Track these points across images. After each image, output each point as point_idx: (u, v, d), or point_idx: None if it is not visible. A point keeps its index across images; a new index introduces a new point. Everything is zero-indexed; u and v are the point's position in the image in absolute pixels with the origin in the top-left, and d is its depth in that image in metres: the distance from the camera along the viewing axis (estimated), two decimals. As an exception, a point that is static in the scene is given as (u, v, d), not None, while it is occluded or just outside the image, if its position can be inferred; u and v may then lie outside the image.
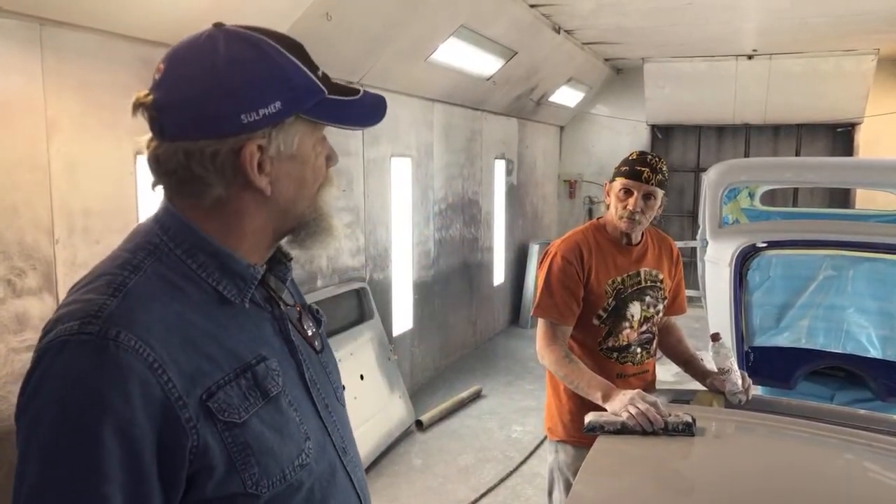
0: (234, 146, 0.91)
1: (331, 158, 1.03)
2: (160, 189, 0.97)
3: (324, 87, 0.96)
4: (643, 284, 2.47)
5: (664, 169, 2.39)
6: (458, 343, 6.93)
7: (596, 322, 2.42)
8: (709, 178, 4.19)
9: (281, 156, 0.95)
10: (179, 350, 0.86)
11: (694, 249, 4.68)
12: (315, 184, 1.01)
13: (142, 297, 0.88)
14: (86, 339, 0.82)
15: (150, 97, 0.91)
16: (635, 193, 2.36)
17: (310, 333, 1.09)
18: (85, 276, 0.93)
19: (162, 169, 0.93)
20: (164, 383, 0.83)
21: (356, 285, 4.97)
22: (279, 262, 1.06)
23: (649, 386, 2.48)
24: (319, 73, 0.97)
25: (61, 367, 0.82)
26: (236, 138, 0.90)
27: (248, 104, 0.90)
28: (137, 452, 0.82)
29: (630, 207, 2.36)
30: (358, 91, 1.00)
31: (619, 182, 2.40)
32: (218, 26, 0.94)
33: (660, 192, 2.38)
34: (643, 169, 2.35)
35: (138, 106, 0.91)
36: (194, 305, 0.91)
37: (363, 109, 1.02)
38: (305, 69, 0.95)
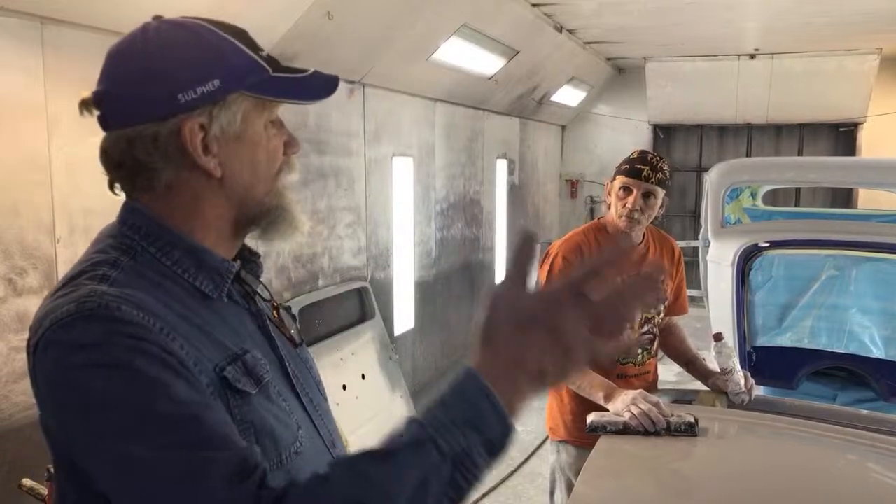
0: (173, 127, 0.89)
1: (290, 144, 1.01)
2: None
3: (267, 66, 0.95)
4: None
5: (665, 168, 2.38)
6: (459, 343, 6.92)
7: None
8: (711, 177, 4.18)
9: (226, 135, 0.92)
10: (179, 332, 0.85)
11: (696, 249, 4.67)
12: (271, 167, 0.98)
13: (127, 286, 0.86)
14: (89, 314, 0.80)
15: (90, 93, 0.91)
16: (635, 192, 2.34)
17: (290, 329, 1.08)
18: (57, 284, 0.90)
19: (111, 162, 0.92)
20: (179, 347, 0.82)
21: (357, 285, 4.96)
22: (248, 259, 1.05)
23: (651, 386, 2.47)
24: (263, 53, 0.96)
25: (78, 340, 0.80)
26: (175, 119, 0.89)
27: (183, 83, 0.89)
28: (185, 371, 0.81)
29: (629, 206, 2.34)
30: (307, 70, 0.99)
31: (619, 180, 2.38)
32: (156, 18, 0.94)
33: (660, 191, 2.36)
34: (643, 167, 2.34)
35: (83, 104, 0.91)
36: (177, 301, 0.90)
37: (310, 86, 1.00)
38: (245, 48, 0.94)
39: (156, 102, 0.89)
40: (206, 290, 0.94)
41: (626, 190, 2.36)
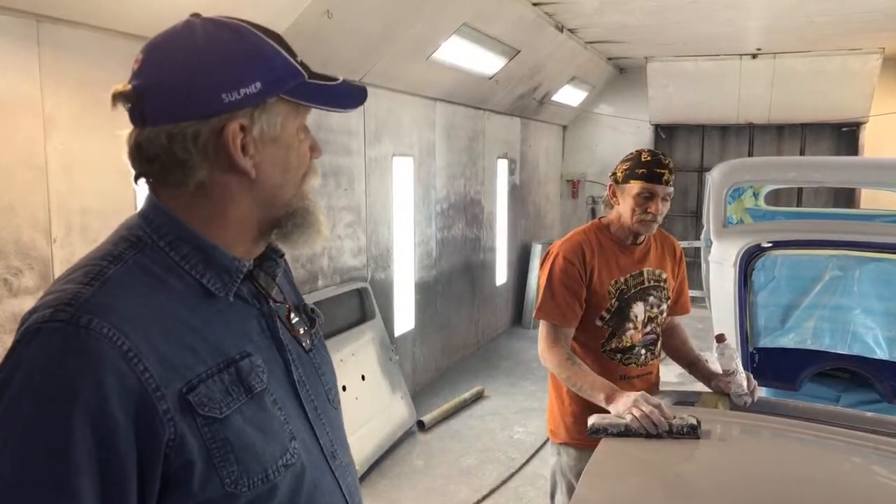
0: (215, 126, 0.90)
1: (314, 149, 1.02)
2: (144, 184, 0.96)
3: (303, 71, 0.96)
4: (646, 284, 2.43)
5: (672, 167, 2.37)
6: (460, 343, 6.91)
7: (599, 323, 2.39)
8: (713, 177, 4.16)
9: (264, 138, 0.93)
10: (160, 340, 0.85)
11: (698, 250, 4.66)
12: (300, 170, 1.00)
13: (121, 286, 0.86)
14: (57, 327, 0.81)
15: (130, 86, 0.90)
16: (657, 197, 2.32)
17: (301, 332, 1.06)
18: (68, 269, 0.92)
19: (144, 156, 0.92)
20: (140, 373, 0.82)
21: (358, 285, 4.94)
22: (269, 257, 1.04)
23: (653, 387, 2.45)
24: (298, 59, 0.97)
25: (32, 355, 0.81)
26: (218, 118, 0.90)
27: (228, 83, 0.89)
28: (110, 443, 0.80)
29: (653, 211, 2.31)
30: (337, 78, 1.00)
31: (638, 185, 2.32)
32: (195, 15, 0.94)
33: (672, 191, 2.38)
34: (662, 171, 2.31)
35: (117, 96, 0.90)
36: (178, 298, 0.90)
37: (343, 94, 1.01)
38: (284, 52, 0.94)
39: (201, 100, 0.89)
40: (212, 288, 0.93)
41: (648, 196, 2.32)
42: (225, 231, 0.95)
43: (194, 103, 0.89)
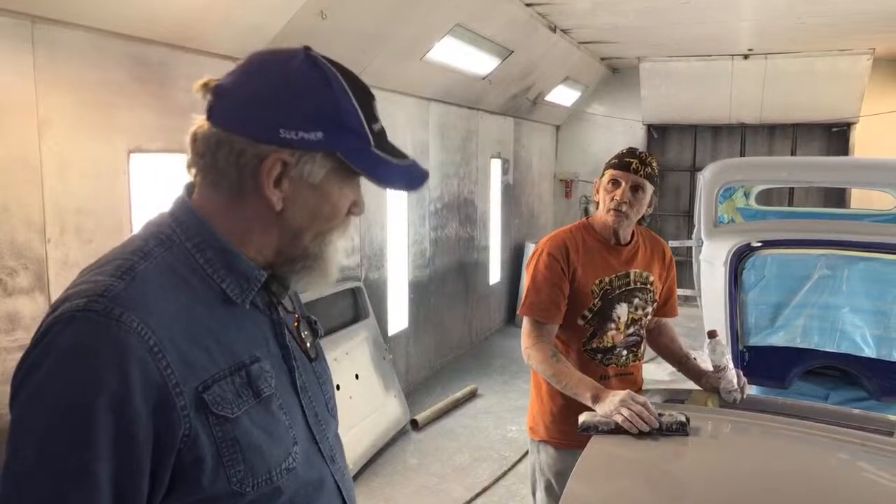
0: (261, 152, 0.93)
1: (356, 205, 1.04)
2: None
3: (371, 139, 0.97)
4: (632, 286, 2.41)
5: (654, 164, 2.35)
6: (453, 342, 6.93)
7: (581, 322, 2.38)
8: (704, 177, 4.18)
9: (303, 181, 0.95)
10: (181, 339, 0.88)
11: (689, 249, 4.68)
12: (330, 222, 1.01)
13: (149, 282, 0.89)
14: (90, 316, 0.84)
15: (216, 81, 0.95)
16: (623, 184, 2.31)
17: (308, 343, 1.09)
18: (97, 261, 0.95)
19: (197, 148, 0.96)
20: (163, 368, 0.85)
21: (351, 284, 4.95)
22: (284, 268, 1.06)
23: (634, 388, 2.44)
24: (377, 126, 0.98)
25: (65, 340, 0.84)
26: (267, 146, 0.92)
27: (291, 121, 0.92)
28: (130, 432, 0.83)
29: (617, 198, 2.30)
30: (407, 157, 1.01)
31: (608, 174, 2.36)
32: (306, 48, 0.97)
33: (649, 187, 2.33)
34: (631, 160, 2.32)
35: (203, 86, 0.95)
36: (198, 299, 0.93)
37: (402, 174, 1.02)
38: (361, 115, 0.96)
39: (260, 126, 0.92)
40: (231, 293, 0.96)
41: (615, 183, 2.33)
42: (246, 246, 0.98)
43: (253, 125, 0.93)
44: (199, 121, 0.96)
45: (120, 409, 0.82)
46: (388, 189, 1.05)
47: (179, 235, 0.95)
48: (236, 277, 0.96)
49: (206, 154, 0.94)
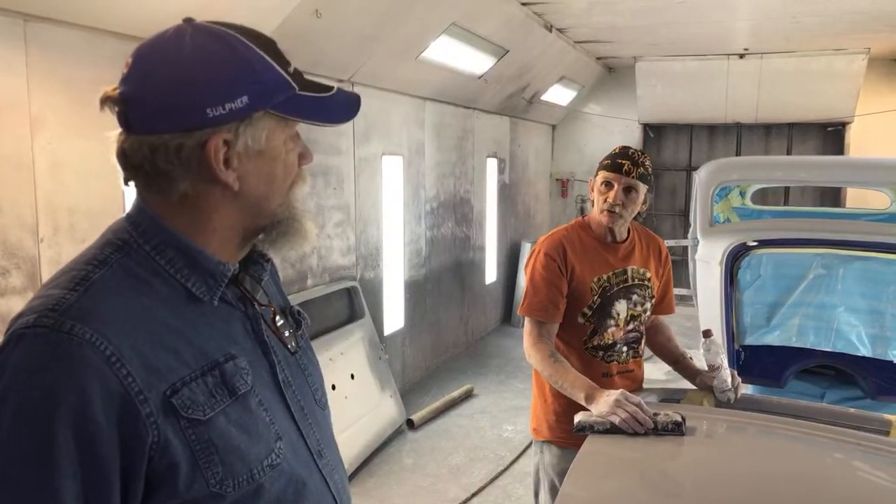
0: (198, 140, 0.89)
1: (304, 156, 1.02)
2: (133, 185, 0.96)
3: (294, 83, 0.95)
4: (630, 283, 2.44)
5: (647, 164, 2.36)
6: (449, 342, 6.92)
7: (581, 320, 2.39)
8: (700, 176, 4.19)
9: (249, 151, 0.93)
10: (144, 344, 0.85)
11: (685, 248, 4.68)
12: (286, 180, 0.99)
13: (105, 290, 0.87)
14: (40, 332, 0.82)
15: (118, 90, 0.90)
16: (616, 186, 2.33)
17: (286, 334, 1.07)
18: (55, 274, 0.92)
19: (129, 163, 0.92)
20: (123, 377, 0.83)
21: (347, 284, 4.94)
22: (255, 262, 1.05)
23: (636, 386, 2.46)
24: (291, 69, 0.96)
25: (15, 360, 0.82)
26: (201, 132, 0.89)
27: (213, 98, 0.89)
28: (93, 447, 0.81)
29: (610, 200, 2.33)
30: (331, 88, 0.99)
31: (601, 175, 2.38)
32: (187, 21, 0.93)
33: (642, 187, 2.35)
34: (624, 161, 2.33)
35: (105, 100, 0.90)
36: (162, 301, 0.90)
37: (335, 107, 1.00)
38: (275, 64, 0.93)
39: (185, 114, 0.89)
40: (197, 292, 0.93)
41: (608, 185, 2.35)
42: (209, 237, 0.95)
43: (178, 117, 0.89)
44: (118, 136, 0.92)
45: (80, 423, 0.80)
46: (330, 125, 1.01)
47: (137, 239, 0.92)
48: (201, 275, 0.94)
49: (143, 164, 0.90)
